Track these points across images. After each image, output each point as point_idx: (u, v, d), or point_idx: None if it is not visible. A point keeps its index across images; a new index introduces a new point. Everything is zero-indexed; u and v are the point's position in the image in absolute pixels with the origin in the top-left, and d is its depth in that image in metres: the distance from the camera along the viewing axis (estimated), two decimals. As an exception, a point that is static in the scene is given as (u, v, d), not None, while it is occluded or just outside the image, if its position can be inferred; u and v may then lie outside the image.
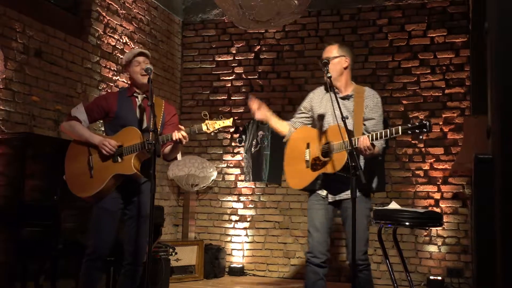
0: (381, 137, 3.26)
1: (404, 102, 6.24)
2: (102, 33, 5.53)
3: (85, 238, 3.62)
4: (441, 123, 6.10)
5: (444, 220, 5.18)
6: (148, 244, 3.51)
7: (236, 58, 6.99)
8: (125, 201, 3.57)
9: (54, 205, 3.91)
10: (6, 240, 4.05)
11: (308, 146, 3.59)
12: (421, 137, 3.22)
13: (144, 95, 3.63)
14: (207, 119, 3.52)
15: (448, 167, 5.97)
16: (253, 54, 6.91)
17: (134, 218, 3.55)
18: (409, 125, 3.17)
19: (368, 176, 3.40)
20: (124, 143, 3.51)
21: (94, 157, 3.55)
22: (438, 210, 5.86)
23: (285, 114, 6.48)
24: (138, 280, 3.59)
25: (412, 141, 6.14)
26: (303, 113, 3.85)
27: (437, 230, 5.93)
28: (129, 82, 3.67)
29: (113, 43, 5.72)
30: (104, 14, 5.56)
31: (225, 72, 7.01)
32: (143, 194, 3.56)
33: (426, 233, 5.99)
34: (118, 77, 5.78)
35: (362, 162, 3.54)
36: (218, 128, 3.56)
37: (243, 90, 6.92)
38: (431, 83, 6.19)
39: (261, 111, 3.80)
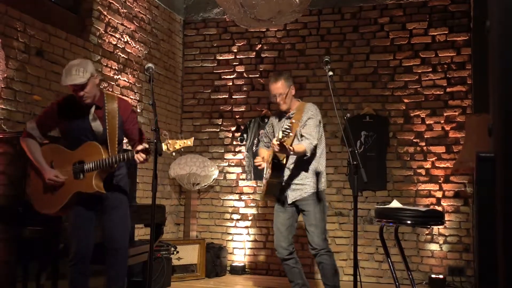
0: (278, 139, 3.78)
1: (406, 100, 6.24)
2: (103, 32, 5.53)
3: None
4: (442, 121, 6.09)
5: (445, 219, 5.18)
6: (127, 230, 3.61)
7: (238, 56, 6.99)
8: (98, 200, 3.59)
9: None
10: (7, 240, 4.05)
11: (267, 163, 4.31)
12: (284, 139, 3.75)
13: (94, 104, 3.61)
14: (167, 139, 3.48)
15: (450, 166, 5.97)
16: (254, 53, 6.91)
17: (106, 210, 3.61)
18: (283, 129, 3.71)
19: (311, 177, 4.21)
20: (86, 159, 3.50)
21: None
22: (439, 208, 5.86)
23: (286, 112, 6.49)
24: (119, 267, 3.61)
25: (414, 140, 6.14)
26: (267, 133, 4.62)
27: (438, 228, 5.92)
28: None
29: (114, 42, 5.72)
30: (105, 13, 5.55)
31: (226, 71, 7.01)
32: (114, 190, 3.62)
33: (427, 232, 5.98)
34: (120, 76, 5.78)
35: (293, 163, 4.23)
36: (179, 148, 3.52)
37: (245, 89, 6.91)
38: (433, 81, 6.18)
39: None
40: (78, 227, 3.54)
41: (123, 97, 3.63)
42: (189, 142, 3.53)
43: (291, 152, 3.88)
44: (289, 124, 3.68)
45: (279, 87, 4.23)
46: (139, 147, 3.48)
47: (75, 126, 3.57)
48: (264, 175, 4.37)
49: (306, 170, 4.22)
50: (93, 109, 3.59)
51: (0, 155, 4.05)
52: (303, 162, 4.20)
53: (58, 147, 3.66)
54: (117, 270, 3.64)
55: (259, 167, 4.36)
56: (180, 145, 3.48)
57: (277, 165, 4.13)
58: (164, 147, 3.39)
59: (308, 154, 4.10)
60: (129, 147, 3.93)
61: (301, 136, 4.13)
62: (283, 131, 3.69)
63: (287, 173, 4.23)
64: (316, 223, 4.15)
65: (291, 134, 3.73)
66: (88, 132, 3.57)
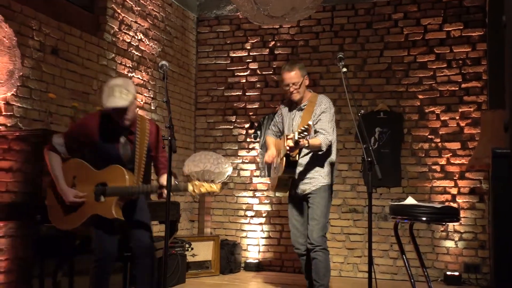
0: (294, 140, 3.76)
1: (420, 96, 6.20)
2: (117, 30, 5.56)
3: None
4: (457, 117, 6.04)
5: (461, 215, 5.13)
6: (151, 236, 3.58)
7: (251, 53, 6.99)
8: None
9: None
10: (25, 236, 4.10)
11: (277, 153, 4.30)
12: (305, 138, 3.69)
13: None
14: (194, 180, 3.47)
15: (465, 162, 5.92)
16: (267, 50, 6.90)
17: (130, 215, 3.60)
18: (299, 130, 3.70)
19: (322, 171, 4.20)
20: (109, 183, 3.47)
21: (77, 189, 3.53)
22: (455, 205, 5.82)
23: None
24: (151, 272, 3.60)
25: (428, 136, 6.10)
26: (276, 123, 4.55)
27: (454, 225, 5.89)
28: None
29: (128, 40, 5.74)
30: (119, 11, 5.58)
31: (239, 68, 7.02)
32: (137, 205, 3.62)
33: (443, 229, 5.95)
34: (134, 74, 5.80)
35: (307, 158, 4.19)
36: (204, 192, 3.45)
37: (258, 85, 6.91)
38: (448, 77, 6.13)
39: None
40: (101, 229, 3.52)
41: (154, 122, 3.57)
42: (216, 187, 3.45)
43: (306, 146, 3.87)
44: (306, 126, 3.64)
45: (293, 76, 4.17)
46: (165, 182, 3.42)
47: (105, 147, 3.52)
48: (275, 170, 4.34)
49: (317, 164, 4.20)
50: (126, 133, 3.56)
51: (17, 152, 4.09)
52: (315, 155, 4.18)
53: (82, 163, 3.58)
54: (146, 270, 3.63)
55: (266, 162, 4.37)
56: (206, 189, 3.42)
57: (291, 162, 4.09)
58: (189, 187, 3.40)
59: (324, 149, 4.07)
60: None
61: (315, 131, 4.11)
62: (299, 133, 3.64)
63: (298, 167, 4.20)
64: (318, 218, 4.12)
65: (307, 137, 3.69)
66: (116, 155, 3.53)
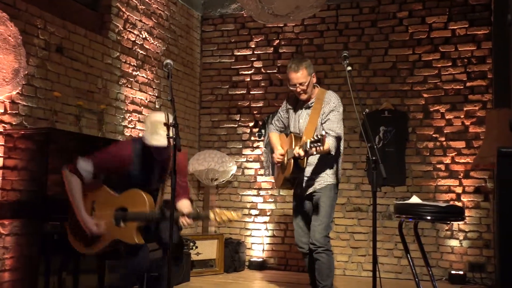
0: (304, 149, 3.67)
1: (425, 95, 6.18)
2: (122, 28, 5.57)
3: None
4: (462, 116, 6.03)
5: (465, 214, 5.13)
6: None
7: (255, 52, 6.98)
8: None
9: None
10: (30, 234, 4.12)
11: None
12: (320, 148, 3.57)
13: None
14: (215, 209, 3.48)
15: (470, 161, 5.90)
16: (272, 48, 6.90)
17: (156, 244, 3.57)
18: (312, 139, 3.57)
19: (328, 170, 4.12)
20: (129, 207, 3.44)
21: (97, 213, 3.49)
22: (459, 204, 5.80)
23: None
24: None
25: (433, 135, 6.09)
26: (281, 118, 4.42)
27: (458, 224, 5.87)
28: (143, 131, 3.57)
29: (133, 39, 5.75)
30: (123, 9, 5.59)
31: (244, 66, 7.02)
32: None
33: (447, 228, 5.93)
34: (138, 72, 5.81)
35: (315, 158, 4.08)
36: (225, 220, 3.42)
37: (262, 84, 6.91)
38: (452, 76, 6.11)
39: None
40: (125, 248, 3.52)
41: (183, 150, 3.50)
42: (235, 215, 3.45)
43: (316, 153, 3.75)
44: (320, 137, 3.48)
45: (300, 77, 4.03)
46: (186, 210, 3.44)
47: (137, 176, 3.48)
48: (280, 168, 4.23)
49: (324, 163, 4.11)
50: (160, 164, 3.54)
51: (22, 151, 4.11)
52: (322, 155, 4.04)
53: (102, 186, 3.54)
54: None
55: (277, 163, 4.25)
56: (227, 217, 3.40)
57: (299, 165, 3.96)
58: (211, 215, 3.39)
59: (333, 153, 3.96)
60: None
61: (325, 133, 3.95)
62: (311, 142, 3.52)
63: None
64: (321, 218, 4.05)
65: (321, 148, 3.53)
66: (143, 182, 3.49)
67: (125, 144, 3.62)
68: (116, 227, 3.44)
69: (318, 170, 4.12)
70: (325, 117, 4.03)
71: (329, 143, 3.83)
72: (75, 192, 3.41)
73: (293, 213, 4.38)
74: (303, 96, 4.10)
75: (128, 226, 3.41)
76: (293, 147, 3.89)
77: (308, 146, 3.54)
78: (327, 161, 4.10)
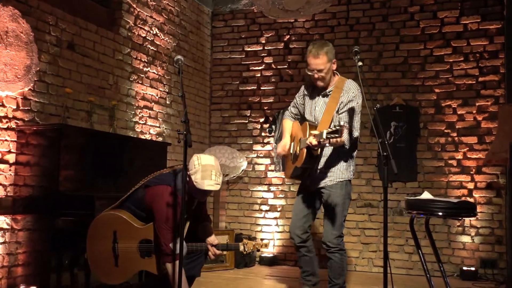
0: (318, 139, 3.47)
1: (437, 90, 6.15)
2: (132, 24, 5.58)
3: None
4: (474, 111, 5.99)
5: (477, 210, 5.09)
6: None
7: (266, 48, 6.97)
8: None
9: (89, 195, 3.97)
10: (42, 230, 4.15)
11: (294, 139, 4.01)
12: (337, 141, 3.41)
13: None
14: (245, 240, 3.55)
15: (482, 156, 5.87)
16: (282, 44, 6.89)
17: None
18: (329, 129, 3.37)
19: (342, 164, 3.91)
20: (153, 239, 3.47)
21: (120, 246, 3.50)
22: (471, 200, 5.77)
23: (315, 103, 6.46)
24: None
25: (445, 130, 6.05)
26: (296, 104, 4.20)
27: (470, 220, 5.84)
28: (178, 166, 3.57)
29: (144, 35, 5.77)
30: (134, 6, 5.60)
31: (254, 62, 7.01)
32: None
33: (459, 224, 5.91)
34: (149, 68, 5.83)
35: (329, 150, 3.87)
36: (254, 250, 3.52)
37: (273, 80, 6.90)
38: (464, 71, 6.07)
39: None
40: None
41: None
42: (264, 245, 3.55)
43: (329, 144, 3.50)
44: (339, 127, 3.30)
45: (319, 63, 3.75)
46: (216, 241, 3.54)
47: (172, 216, 3.45)
48: (290, 157, 4.02)
49: (338, 157, 3.88)
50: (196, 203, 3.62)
51: (34, 147, 4.14)
52: (337, 148, 3.79)
53: (123, 218, 3.53)
54: None
55: (281, 155, 4.07)
56: (256, 247, 3.48)
57: (313, 155, 3.74)
58: (241, 247, 3.47)
59: (347, 146, 3.76)
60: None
61: (340, 125, 3.70)
62: (328, 133, 3.33)
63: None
64: (333, 218, 3.90)
65: (338, 140, 3.35)
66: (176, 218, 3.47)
67: (172, 194, 3.45)
68: (142, 259, 3.48)
69: (331, 163, 3.89)
70: (342, 107, 3.81)
71: (345, 137, 3.59)
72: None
73: (295, 202, 4.15)
74: (320, 83, 3.85)
75: (153, 257, 3.46)
76: (307, 136, 3.65)
77: (324, 137, 3.35)
78: (341, 154, 3.87)
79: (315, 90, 3.98)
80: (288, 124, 4.15)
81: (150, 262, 3.46)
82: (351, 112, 3.81)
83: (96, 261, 3.54)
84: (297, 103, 4.16)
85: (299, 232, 4.04)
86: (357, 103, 3.82)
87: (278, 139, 6.64)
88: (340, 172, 3.92)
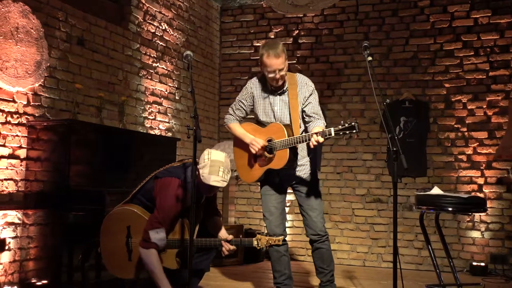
0: (324, 136, 3.42)
1: (447, 85, 6.11)
2: (141, 20, 5.59)
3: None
4: (485, 106, 5.95)
5: (487, 206, 5.07)
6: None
7: (275, 43, 6.95)
8: None
9: (99, 190, 4.00)
10: (54, 224, 4.19)
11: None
12: (351, 136, 3.39)
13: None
14: (258, 235, 3.54)
15: (492, 152, 5.84)
16: (291, 39, 6.87)
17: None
18: (340, 127, 3.36)
19: (312, 157, 3.89)
20: (168, 235, 3.46)
21: (133, 241, 3.51)
22: (481, 195, 5.75)
23: (323, 98, 6.45)
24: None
25: (455, 125, 6.03)
26: (243, 106, 4.01)
27: (480, 215, 5.82)
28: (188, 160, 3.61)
29: (153, 30, 5.78)
30: (143, 1, 5.61)
31: (263, 57, 6.99)
32: None
33: (469, 219, 5.88)
34: (158, 64, 5.84)
35: (304, 144, 3.75)
36: (267, 246, 3.50)
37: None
38: (475, 65, 6.03)
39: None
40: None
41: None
42: (277, 240, 3.53)
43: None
44: (353, 123, 3.29)
45: (280, 63, 3.66)
46: (230, 237, 3.54)
47: (184, 211, 3.49)
48: (256, 160, 3.88)
49: (305, 150, 3.88)
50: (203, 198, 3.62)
51: (45, 142, 4.16)
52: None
53: (137, 213, 3.54)
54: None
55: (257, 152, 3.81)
56: (270, 242, 3.47)
57: (296, 154, 3.76)
58: (254, 242, 3.47)
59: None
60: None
61: (307, 116, 3.78)
62: (340, 130, 3.32)
63: None
64: (318, 207, 3.89)
65: (352, 135, 3.34)
66: (187, 214, 3.46)
67: (176, 185, 3.48)
68: None
69: (303, 157, 3.88)
70: (306, 101, 3.79)
71: (323, 127, 3.61)
72: (157, 269, 3.39)
73: (266, 201, 3.97)
74: (280, 83, 3.75)
75: (168, 252, 3.46)
76: (286, 136, 3.64)
77: (333, 134, 3.35)
78: (307, 148, 3.82)
79: (265, 89, 3.88)
80: (243, 127, 3.98)
81: (165, 257, 3.47)
82: (314, 103, 3.81)
83: (109, 255, 3.57)
84: (244, 106, 3.99)
85: (280, 230, 3.94)
86: (316, 93, 3.86)
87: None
88: (309, 165, 3.91)
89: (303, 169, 3.90)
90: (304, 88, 3.82)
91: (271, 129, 3.80)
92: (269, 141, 3.77)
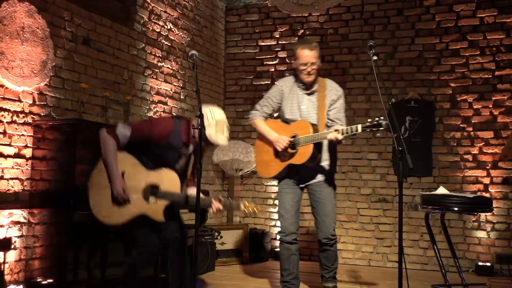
0: (347, 133, 3.57)
1: (452, 84, 6.09)
2: (147, 19, 5.60)
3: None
4: (490, 106, 5.93)
5: (493, 206, 5.05)
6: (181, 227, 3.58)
7: (280, 42, 6.96)
8: None
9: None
10: (59, 223, 4.19)
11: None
12: (378, 134, 3.45)
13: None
14: (245, 202, 3.51)
15: (498, 151, 5.82)
16: (296, 38, 6.86)
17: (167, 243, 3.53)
18: (367, 124, 3.44)
19: (331, 161, 3.95)
20: (160, 185, 3.42)
21: (126, 183, 3.44)
22: (487, 195, 5.73)
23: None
24: (181, 261, 3.57)
25: (460, 125, 6.00)
26: (272, 103, 4.10)
27: (486, 215, 5.80)
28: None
29: (158, 30, 5.78)
30: (148, 1, 5.62)
31: (268, 56, 7.00)
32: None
33: (474, 219, 5.87)
34: (163, 63, 5.85)
35: (326, 147, 3.90)
36: (251, 213, 3.48)
37: (287, 74, 6.88)
38: (481, 64, 6.01)
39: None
40: (148, 224, 3.50)
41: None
42: (260, 209, 3.55)
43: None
44: (381, 121, 3.37)
45: (314, 56, 3.82)
46: (220, 196, 3.52)
47: (168, 154, 3.47)
48: (279, 155, 3.94)
49: (327, 153, 3.95)
50: (190, 149, 3.58)
51: (50, 141, 4.18)
52: (325, 144, 3.90)
53: (132, 159, 3.47)
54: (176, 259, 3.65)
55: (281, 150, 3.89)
56: (253, 209, 3.47)
57: (317, 151, 3.80)
58: (242, 207, 3.46)
59: (344, 141, 3.78)
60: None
61: (330, 120, 3.88)
62: (367, 127, 3.40)
63: None
64: (331, 213, 3.94)
65: (377, 133, 3.42)
66: (172, 164, 3.49)
67: (166, 121, 3.55)
68: (145, 202, 3.41)
69: (322, 160, 3.94)
70: (333, 105, 3.90)
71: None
72: (110, 153, 3.38)
73: (283, 199, 4.04)
74: (311, 78, 3.86)
75: (158, 204, 3.41)
76: (311, 133, 3.73)
77: (360, 130, 3.46)
78: (330, 151, 3.95)
79: (295, 88, 3.99)
80: (268, 124, 4.06)
81: (153, 207, 3.39)
82: (341, 109, 3.93)
83: (97, 199, 3.43)
84: (272, 102, 4.08)
85: (293, 228, 3.99)
86: (343, 99, 3.95)
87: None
88: (329, 167, 3.97)
89: (322, 171, 3.95)
90: (332, 91, 3.93)
91: (297, 126, 3.89)
92: (293, 137, 3.86)
